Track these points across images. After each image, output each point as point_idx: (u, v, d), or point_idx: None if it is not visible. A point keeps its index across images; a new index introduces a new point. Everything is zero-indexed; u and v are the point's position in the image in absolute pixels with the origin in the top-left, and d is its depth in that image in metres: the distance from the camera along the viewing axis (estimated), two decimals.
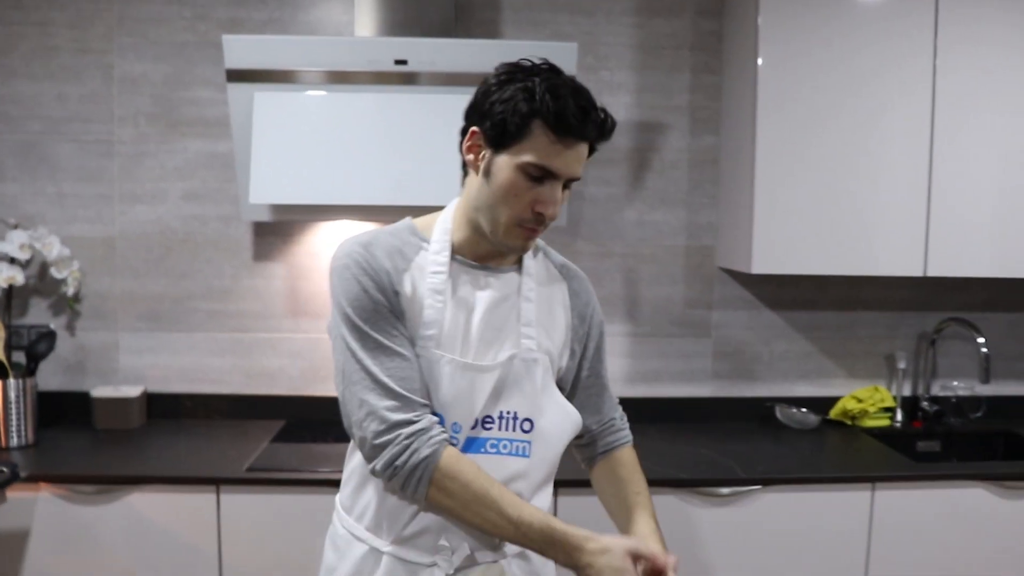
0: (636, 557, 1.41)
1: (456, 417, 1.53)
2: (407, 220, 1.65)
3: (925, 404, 3.21)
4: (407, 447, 1.46)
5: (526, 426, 1.57)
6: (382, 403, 1.48)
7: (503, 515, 1.45)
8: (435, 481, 1.46)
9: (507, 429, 1.56)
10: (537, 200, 1.48)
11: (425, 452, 1.45)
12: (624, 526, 1.63)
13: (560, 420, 1.62)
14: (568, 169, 1.48)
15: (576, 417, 1.66)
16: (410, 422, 1.47)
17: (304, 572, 2.47)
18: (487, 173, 1.52)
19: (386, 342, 1.51)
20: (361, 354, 1.51)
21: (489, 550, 1.56)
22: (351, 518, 1.63)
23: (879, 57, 2.77)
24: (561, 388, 1.69)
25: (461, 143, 1.56)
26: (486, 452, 1.55)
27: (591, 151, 1.53)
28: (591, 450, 1.77)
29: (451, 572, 1.52)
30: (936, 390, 3.26)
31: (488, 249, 1.59)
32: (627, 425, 1.81)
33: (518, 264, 1.64)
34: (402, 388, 1.49)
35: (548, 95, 1.45)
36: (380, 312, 1.52)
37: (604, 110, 1.51)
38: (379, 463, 1.48)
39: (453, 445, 1.52)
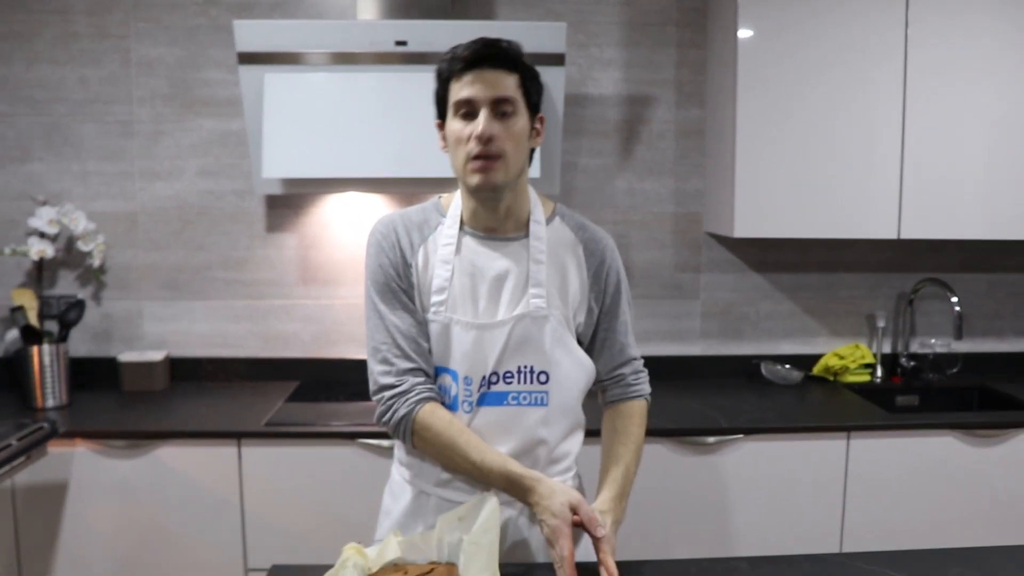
0: (575, 509, 1.58)
1: (468, 372, 1.71)
2: (435, 197, 1.84)
3: (904, 360, 3.38)
4: (390, 407, 1.70)
5: (542, 378, 1.73)
6: (376, 367, 1.72)
7: (468, 459, 1.65)
8: (415, 432, 1.69)
9: (525, 382, 1.72)
10: (473, 132, 1.64)
11: (403, 411, 1.68)
12: (600, 477, 1.79)
13: (575, 371, 1.77)
14: (483, 93, 1.63)
15: (590, 367, 1.81)
16: (393, 385, 1.70)
17: (318, 516, 2.67)
18: (447, 142, 1.71)
19: (388, 313, 1.72)
20: (371, 323, 1.74)
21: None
22: (403, 467, 1.83)
23: (853, 30, 2.90)
24: (581, 342, 1.82)
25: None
26: (507, 404, 1.72)
27: (521, 75, 1.68)
28: (602, 398, 1.91)
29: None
30: (915, 347, 3.42)
31: (494, 220, 1.75)
32: (640, 381, 1.89)
33: (527, 232, 1.78)
34: (391, 354, 1.71)
35: (447, 55, 1.67)
36: (390, 286, 1.73)
37: (501, 40, 1.67)
38: (374, 417, 1.73)
39: (439, 401, 1.71)
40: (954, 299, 3.18)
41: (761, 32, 2.90)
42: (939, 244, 3.36)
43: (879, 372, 3.34)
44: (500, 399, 1.72)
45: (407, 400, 1.69)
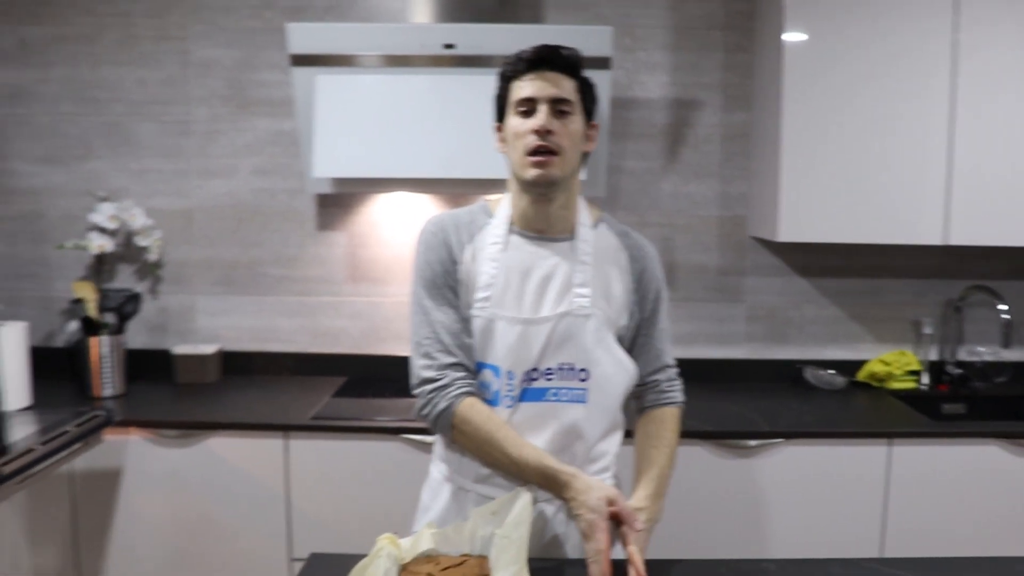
0: (611, 503, 1.61)
1: (511, 367, 1.75)
2: (482, 200, 1.91)
3: (950, 368, 3.35)
4: (430, 400, 1.76)
5: (583, 375, 1.78)
6: (418, 362, 1.79)
7: (505, 453, 1.70)
8: (455, 426, 1.74)
9: (566, 379, 1.77)
10: (532, 126, 1.72)
11: (443, 405, 1.74)
12: (635, 479, 1.82)
13: (615, 371, 1.81)
14: (543, 91, 1.72)
15: (632, 369, 1.85)
16: (434, 379, 1.76)
17: (361, 509, 2.73)
18: (506, 141, 1.79)
19: (433, 308, 1.78)
20: (416, 318, 1.81)
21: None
22: (442, 464, 1.89)
23: (901, 34, 2.89)
24: (623, 345, 1.86)
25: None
26: (547, 400, 1.77)
27: (579, 82, 1.77)
28: (636, 404, 1.96)
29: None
30: (962, 355, 3.39)
31: (543, 220, 1.81)
32: (674, 388, 1.94)
33: (573, 234, 1.83)
34: (433, 349, 1.76)
35: (508, 60, 1.76)
36: (436, 283, 1.79)
37: (563, 47, 1.76)
38: (414, 411, 1.80)
39: (478, 396, 1.76)
40: (1002, 307, 3.15)
41: (808, 36, 2.90)
42: (988, 251, 3.32)
43: (925, 379, 3.31)
44: (540, 395, 1.77)
45: (447, 394, 1.74)
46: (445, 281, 1.80)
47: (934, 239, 2.97)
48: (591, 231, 1.84)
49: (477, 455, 1.77)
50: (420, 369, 1.78)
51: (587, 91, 1.79)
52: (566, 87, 1.74)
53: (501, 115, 1.81)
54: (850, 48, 2.90)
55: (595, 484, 1.64)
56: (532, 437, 1.75)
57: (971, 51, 2.89)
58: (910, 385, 3.29)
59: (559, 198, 1.79)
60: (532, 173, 1.73)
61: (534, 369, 1.76)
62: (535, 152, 1.72)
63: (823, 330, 3.39)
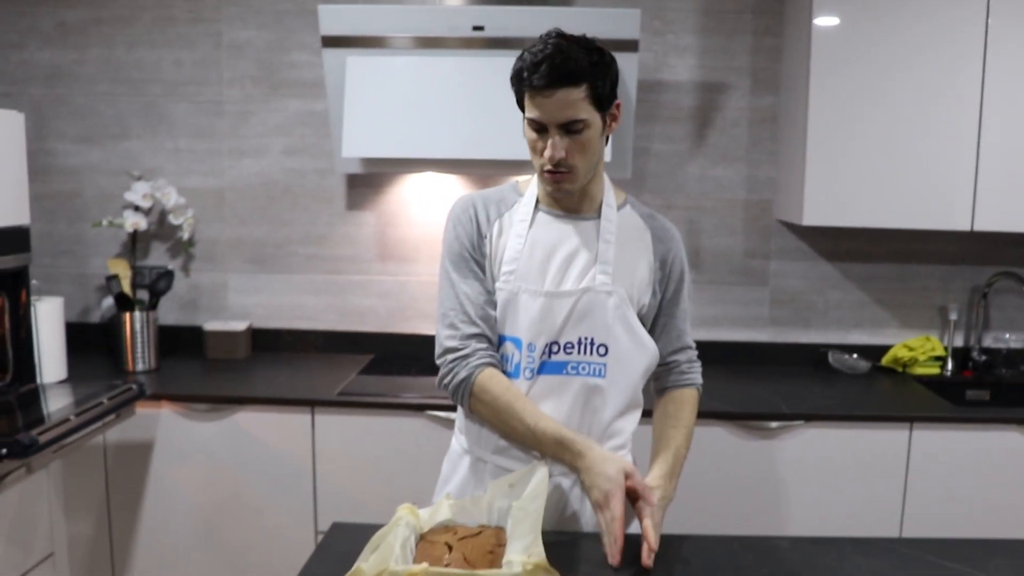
0: (628, 475, 1.65)
1: (532, 339, 1.79)
2: (513, 180, 1.95)
3: (975, 354, 3.34)
4: (451, 370, 1.80)
5: (601, 350, 1.80)
6: (443, 332, 1.83)
7: (523, 423, 1.73)
8: (474, 395, 1.78)
9: (585, 353, 1.80)
10: (543, 150, 1.72)
11: (463, 374, 1.78)
12: (652, 458, 1.86)
13: (635, 349, 1.84)
14: (549, 116, 1.68)
15: (653, 349, 1.87)
16: (456, 349, 1.80)
17: (385, 483, 2.79)
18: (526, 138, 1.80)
19: (459, 281, 1.83)
20: (443, 291, 1.85)
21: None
22: (462, 436, 1.94)
23: (932, 20, 2.88)
24: (644, 324, 1.89)
25: None
26: (567, 373, 1.80)
27: (591, 82, 1.68)
28: (656, 384, 1.99)
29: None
30: (988, 342, 3.38)
31: (569, 202, 1.84)
32: (693, 370, 1.97)
33: (599, 214, 1.86)
34: (457, 320, 1.80)
35: (519, 63, 1.71)
36: (463, 256, 1.84)
37: (569, 54, 1.66)
38: (437, 380, 1.84)
39: (498, 367, 1.80)
40: None
41: (838, 21, 2.90)
42: (1016, 237, 3.30)
43: (950, 365, 3.31)
44: (560, 368, 1.80)
45: (468, 364, 1.78)
46: (472, 255, 1.84)
47: (961, 225, 2.96)
48: (616, 212, 1.87)
49: (495, 425, 1.81)
50: (444, 339, 1.82)
51: (600, 85, 1.71)
52: (575, 101, 1.68)
53: (519, 105, 1.79)
54: (880, 33, 2.90)
55: (610, 456, 1.68)
56: (550, 409, 1.79)
57: (1002, 38, 2.87)
58: (934, 371, 3.29)
59: (584, 185, 1.82)
60: (548, 188, 1.79)
61: (554, 343, 1.79)
62: (549, 171, 1.74)
63: (848, 315, 3.40)
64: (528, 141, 1.77)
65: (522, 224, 1.84)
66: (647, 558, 1.58)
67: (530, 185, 1.90)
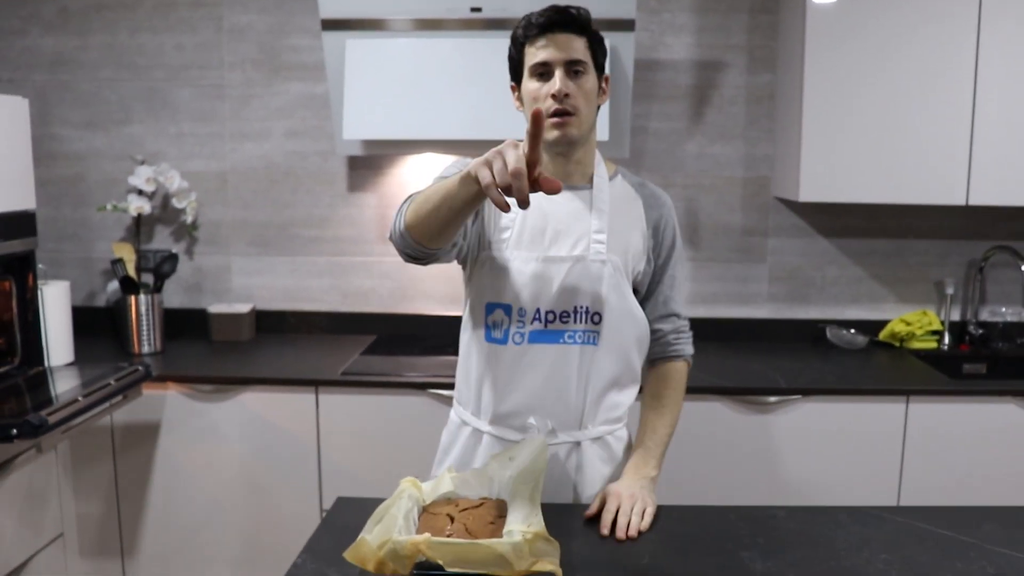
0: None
1: (523, 304, 1.82)
2: None
3: (972, 328, 3.37)
4: (394, 221, 1.69)
5: (595, 318, 1.84)
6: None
7: (441, 185, 1.54)
8: (406, 221, 1.62)
9: (581, 321, 1.83)
10: (549, 91, 1.76)
11: (398, 217, 1.67)
12: (635, 442, 1.92)
13: (627, 319, 1.87)
14: (555, 55, 1.76)
15: (643, 321, 1.90)
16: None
17: (388, 460, 2.83)
18: (523, 102, 1.85)
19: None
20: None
21: (570, 428, 1.86)
22: (460, 407, 1.98)
23: None
24: (637, 292, 1.92)
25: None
26: (564, 342, 1.83)
27: (590, 39, 1.80)
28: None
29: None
30: (984, 316, 3.41)
31: (563, 172, 1.87)
32: (680, 341, 1.98)
33: (591, 184, 1.89)
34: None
35: (520, 22, 1.80)
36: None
37: (571, 6, 1.79)
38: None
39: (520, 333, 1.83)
40: None
41: None
42: (1012, 212, 3.32)
43: (946, 339, 3.34)
44: (557, 337, 1.83)
45: (402, 209, 1.67)
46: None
47: (957, 199, 2.99)
48: (608, 182, 1.90)
49: (428, 222, 1.60)
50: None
51: (598, 47, 1.83)
52: (578, 48, 1.78)
53: (516, 76, 1.87)
54: (875, 10, 2.91)
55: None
56: (544, 377, 1.83)
57: (996, 13, 2.88)
58: (931, 345, 3.33)
59: (577, 152, 1.86)
60: (553, 135, 1.79)
61: (550, 311, 1.82)
62: (554, 115, 1.77)
63: (845, 290, 3.43)
64: (528, 95, 1.80)
65: None
66: (621, 533, 1.66)
67: None
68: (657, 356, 1.98)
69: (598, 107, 1.87)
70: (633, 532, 1.66)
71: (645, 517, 1.70)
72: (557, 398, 1.84)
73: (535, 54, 1.78)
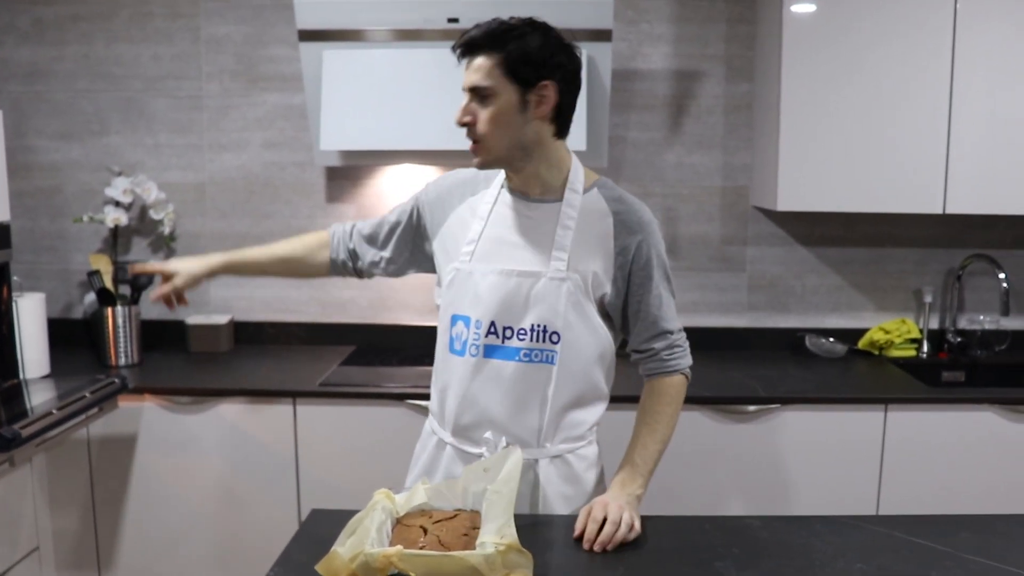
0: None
1: (480, 316, 1.82)
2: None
3: (951, 336, 3.38)
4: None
5: (554, 338, 1.81)
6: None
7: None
8: None
9: (537, 340, 1.81)
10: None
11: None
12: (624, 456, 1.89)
13: (587, 338, 1.83)
14: (465, 81, 1.77)
15: (605, 338, 1.86)
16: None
17: (367, 471, 2.80)
18: None
19: (385, 216, 2.08)
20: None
21: (526, 445, 1.83)
22: (431, 416, 1.98)
23: (901, 5, 2.91)
24: (609, 314, 1.88)
25: None
26: (519, 360, 1.82)
27: (506, 57, 1.72)
28: (640, 371, 1.95)
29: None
30: (962, 324, 3.42)
31: (522, 185, 1.85)
32: (675, 356, 1.90)
33: (561, 197, 1.84)
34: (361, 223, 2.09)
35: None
36: (412, 202, 2.04)
37: (494, 21, 1.77)
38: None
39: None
40: (1002, 275, 3.18)
41: (809, 7, 2.93)
42: (988, 220, 3.34)
43: (925, 347, 3.35)
44: (513, 354, 1.82)
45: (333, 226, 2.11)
46: (417, 203, 2.02)
47: (934, 208, 3.00)
48: (579, 196, 1.84)
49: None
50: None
51: (518, 59, 1.72)
52: (482, 70, 1.72)
53: None
54: (851, 19, 2.93)
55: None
56: (500, 394, 1.82)
57: (971, 22, 2.91)
58: (910, 353, 3.34)
59: (524, 168, 1.81)
60: (474, 160, 1.82)
61: (507, 327, 1.81)
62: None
63: (824, 299, 3.44)
64: None
65: (485, 207, 1.88)
66: (598, 545, 1.65)
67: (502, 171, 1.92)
68: (652, 372, 1.92)
69: (560, 116, 1.79)
70: (612, 544, 1.64)
71: (631, 532, 1.68)
72: (513, 415, 1.83)
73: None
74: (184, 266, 2.01)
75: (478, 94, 1.74)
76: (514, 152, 1.78)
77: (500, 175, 1.90)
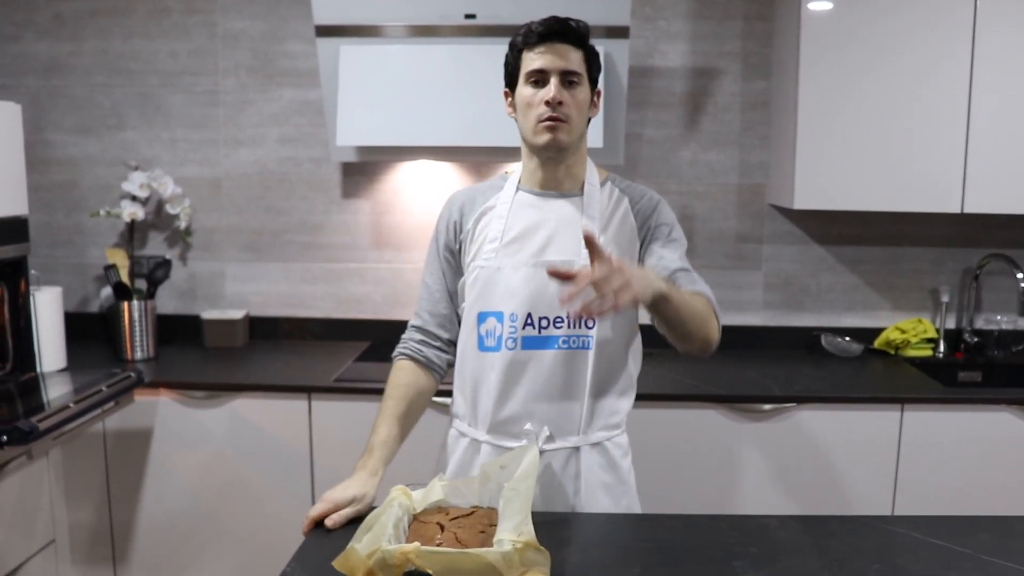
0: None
1: (514, 309, 1.84)
2: (503, 171, 2.03)
3: (967, 336, 3.36)
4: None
5: (589, 323, 1.84)
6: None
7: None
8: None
9: (574, 327, 1.84)
10: (543, 97, 1.79)
11: (393, 353, 2.03)
12: None
13: (619, 322, 1.87)
14: (552, 64, 1.79)
15: (634, 322, 1.92)
16: (408, 328, 2.05)
17: None
18: (516, 107, 1.87)
19: (426, 274, 2.01)
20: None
21: (568, 434, 1.86)
22: (458, 419, 1.99)
23: (920, 2, 2.89)
24: None
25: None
26: (559, 348, 1.84)
27: (586, 52, 1.83)
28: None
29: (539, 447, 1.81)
30: (979, 324, 3.40)
31: (553, 179, 1.90)
32: (694, 284, 1.83)
33: (581, 191, 1.91)
34: (418, 307, 2.03)
35: (520, 30, 1.83)
36: (434, 253, 1.99)
37: (572, 19, 1.82)
38: None
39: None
40: (1020, 275, 3.16)
41: (827, 5, 2.92)
42: (1007, 220, 3.32)
43: (942, 347, 3.34)
44: (552, 343, 1.84)
45: (399, 346, 2.02)
46: (441, 253, 1.96)
47: (952, 207, 2.98)
48: (598, 189, 1.92)
49: None
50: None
51: (593, 61, 1.86)
52: (575, 59, 1.81)
53: (510, 82, 1.88)
54: (870, 16, 2.91)
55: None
56: (535, 382, 1.84)
57: (990, 20, 2.89)
58: (926, 353, 3.32)
59: (568, 159, 1.88)
60: (544, 139, 1.81)
61: (543, 317, 1.83)
62: (547, 119, 1.80)
63: (840, 298, 3.42)
64: (522, 100, 1.83)
65: (504, 206, 1.91)
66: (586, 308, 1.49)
67: (516, 169, 1.96)
68: None
69: (589, 119, 1.90)
70: (597, 310, 1.46)
71: (619, 296, 1.46)
72: (554, 403, 1.85)
73: (532, 60, 1.81)
74: (368, 491, 1.80)
75: (567, 78, 1.80)
76: (577, 141, 1.87)
77: (513, 177, 1.94)
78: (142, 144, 3.41)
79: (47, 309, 2.94)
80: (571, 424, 1.87)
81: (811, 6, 2.91)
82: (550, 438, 1.85)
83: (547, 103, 1.79)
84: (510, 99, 1.90)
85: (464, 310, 1.93)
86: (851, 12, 2.91)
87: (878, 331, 3.39)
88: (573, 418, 1.87)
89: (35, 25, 3.35)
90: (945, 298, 3.34)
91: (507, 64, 1.89)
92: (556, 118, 1.79)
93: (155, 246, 3.46)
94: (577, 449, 1.88)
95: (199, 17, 3.34)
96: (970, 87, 2.92)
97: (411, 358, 1.98)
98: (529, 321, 1.84)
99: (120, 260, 3.20)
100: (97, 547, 2.95)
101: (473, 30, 2.92)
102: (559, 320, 1.84)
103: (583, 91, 1.83)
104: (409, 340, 2.00)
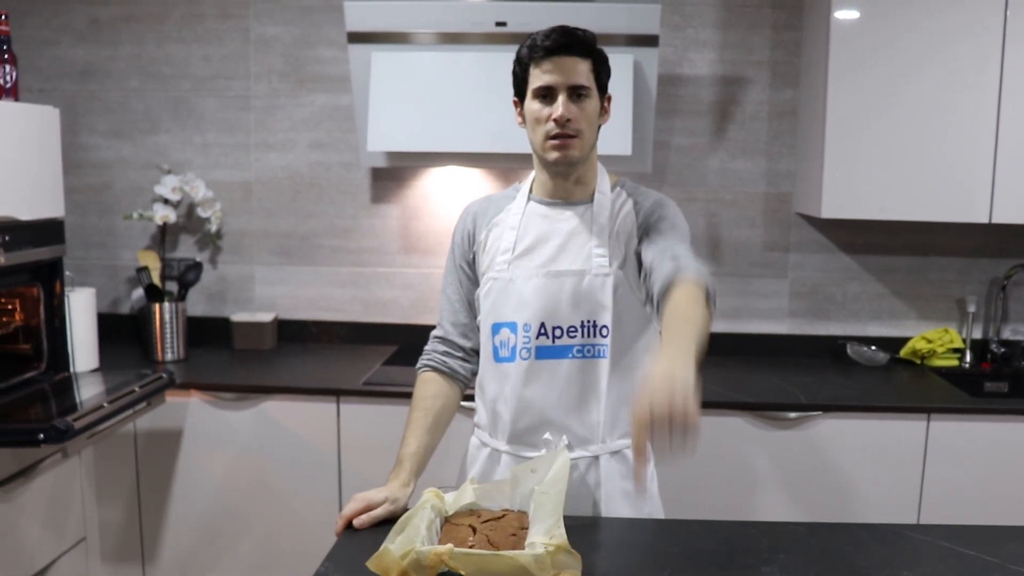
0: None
1: (527, 319, 1.84)
2: (516, 182, 2.04)
3: (994, 347, 3.35)
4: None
5: (604, 331, 1.84)
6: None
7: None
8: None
9: (588, 336, 1.84)
10: (551, 114, 1.78)
11: (417, 364, 2.05)
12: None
13: (635, 330, 1.88)
14: (559, 79, 1.78)
15: (652, 330, 1.91)
16: (431, 339, 2.06)
17: None
18: (525, 120, 1.87)
19: (445, 285, 2.03)
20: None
21: (587, 443, 1.87)
22: (479, 429, 2.01)
23: (950, 12, 2.89)
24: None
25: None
26: (573, 357, 1.85)
27: (594, 60, 1.81)
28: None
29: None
30: (1006, 334, 3.39)
31: (563, 189, 1.90)
32: (685, 269, 1.68)
33: (592, 199, 1.90)
34: (440, 317, 2.05)
35: (525, 42, 1.83)
36: (452, 263, 2.00)
37: (577, 29, 1.81)
38: None
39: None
40: None
41: (856, 14, 2.92)
42: None
43: (968, 357, 3.33)
44: (565, 352, 1.84)
45: (423, 357, 2.04)
46: (458, 263, 1.99)
47: (980, 217, 2.98)
48: (608, 196, 1.90)
49: None
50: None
51: (602, 68, 1.85)
52: (582, 72, 1.79)
53: (519, 93, 1.88)
54: (898, 26, 2.92)
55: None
56: (552, 392, 1.84)
57: (1020, 30, 2.88)
58: (952, 363, 3.31)
59: (578, 170, 1.88)
60: (553, 156, 1.82)
61: (557, 327, 1.84)
62: (555, 137, 1.80)
63: (866, 307, 3.42)
64: (531, 115, 1.82)
65: (515, 217, 1.92)
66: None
67: (528, 179, 1.97)
68: (663, 290, 1.69)
69: (599, 127, 1.89)
70: (676, 450, 1.34)
71: (687, 416, 1.31)
72: (571, 412, 1.86)
73: (539, 76, 1.80)
74: (401, 497, 1.82)
75: (575, 92, 1.79)
76: (588, 152, 1.86)
77: (524, 187, 1.96)
78: (174, 148, 3.46)
79: (81, 310, 2.98)
80: (590, 433, 1.87)
81: (840, 15, 2.92)
82: (569, 447, 1.85)
83: (556, 120, 1.78)
84: (519, 109, 1.89)
85: (480, 321, 1.95)
86: (880, 22, 2.92)
87: (904, 340, 3.38)
88: (592, 427, 1.87)
89: (72, 30, 3.41)
90: (972, 308, 3.34)
91: (515, 75, 1.87)
92: (565, 134, 1.79)
93: (186, 249, 3.50)
94: (597, 458, 1.88)
95: (232, 23, 3.38)
96: (999, 97, 2.92)
97: (435, 369, 2.00)
98: (543, 331, 1.84)
99: (152, 262, 3.24)
100: (127, 545, 2.99)
101: (503, 38, 2.93)
102: (572, 329, 1.84)
103: (592, 102, 1.82)
104: (432, 351, 2.02)
